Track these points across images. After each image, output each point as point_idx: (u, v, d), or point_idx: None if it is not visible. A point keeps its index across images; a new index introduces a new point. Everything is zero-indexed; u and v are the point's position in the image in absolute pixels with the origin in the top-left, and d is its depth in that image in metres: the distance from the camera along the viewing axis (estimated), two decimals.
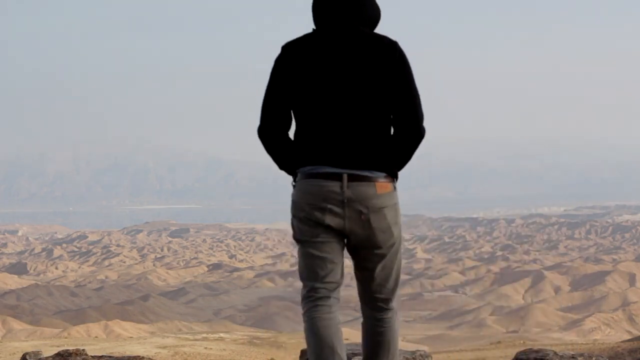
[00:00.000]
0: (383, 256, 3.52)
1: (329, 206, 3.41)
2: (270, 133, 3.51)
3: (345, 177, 3.39)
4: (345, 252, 3.60)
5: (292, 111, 3.52)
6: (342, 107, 3.41)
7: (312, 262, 3.49)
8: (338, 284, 3.53)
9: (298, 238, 3.53)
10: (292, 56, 3.45)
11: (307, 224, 3.47)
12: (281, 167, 3.59)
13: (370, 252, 3.50)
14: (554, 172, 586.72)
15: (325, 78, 3.41)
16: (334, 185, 3.40)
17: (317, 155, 3.43)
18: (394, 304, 3.67)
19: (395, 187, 3.51)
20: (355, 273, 3.62)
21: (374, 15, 3.56)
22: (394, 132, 3.48)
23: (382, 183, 3.44)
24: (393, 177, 3.50)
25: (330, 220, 3.42)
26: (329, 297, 3.49)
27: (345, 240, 3.52)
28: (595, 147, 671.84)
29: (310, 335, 3.45)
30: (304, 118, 3.46)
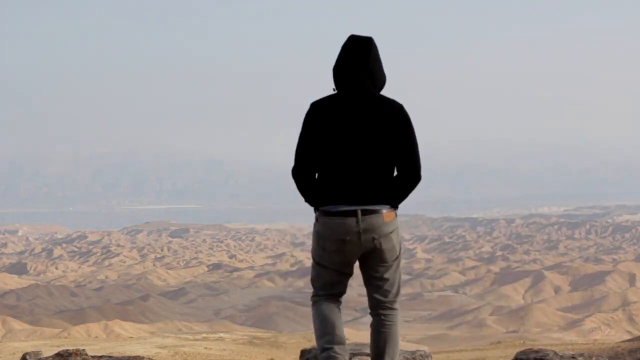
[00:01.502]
0: (389, 268, 4.59)
1: (348, 237, 4.45)
2: (302, 174, 4.53)
3: (359, 212, 4.43)
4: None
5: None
6: (356, 157, 4.42)
7: (325, 280, 4.60)
8: (343, 292, 4.66)
9: (317, 261, 4.59)
10: (318, 113, 4.47)
11: (330, 253, 4.51)
12: (308, 201, 4.59)
13: (379, 266, 4.58)
14: (554, 172, 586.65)
15: (344, 132, 4.43)
16: (351, 220, 4.43)
17: (336, 195, 4.45)
18: (397, 305, 4.66)
19: (396, 215, 4.61)
20: (365, 283, 4.66)
21: (382, 80, 4.59)
22: (397, 176, 4.56)
23: (387, 213, 4.50)
24: (394, 207, 4.57)
25: (349, 248, 4.48)
26: (334, 300, 4.63)
27: (358, 259, 4.57)
28: (595, 147, 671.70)
29: (316, 317, 4.57)
30: (326, 164, 4.46)
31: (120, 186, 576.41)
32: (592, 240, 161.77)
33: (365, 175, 4.43)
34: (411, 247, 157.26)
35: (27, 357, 7.58)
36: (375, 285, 4.60)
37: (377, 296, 4.60)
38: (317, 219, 4.53)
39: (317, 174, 4.54)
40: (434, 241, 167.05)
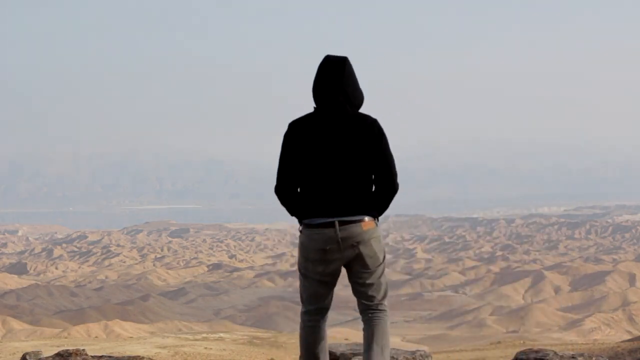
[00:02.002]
0: (372, 274, 4.81)
1: (329, 247, 4.70)
2: (284, 191, 4.80)
3: (336, 223, 4.68)
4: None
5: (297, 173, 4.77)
6: (333, 171, 4.67)
7: (312, 292, 4.86)
8: (328, 308, 4.91)
9: (302, 272, 4.86)
10: (296, 132, 4.73)
11: (313, 262, 4.77)
12: (292, 215, 4.86)
13: (363, 273, 4.80)
14: (554, 172, 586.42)
15: (322, 149, 4.67)
16: (330, 231, 4.68)
17: (316, 209, 4.71)
18: (384, 306, 4.89)
19: (377, 224, 4.81)
20: (353, 290, 4.89)
21: (359, 99, 4.81)
22: (375, 188, 4.78)
23: (366, 222, 4.74)
24: (375, 217, 4.80)
25: (331, 257, 4.73)
26: (321, 317, 4.89)
27: (343, 268, 4.83)
28: (595, 147, 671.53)
29: (302, 344, 4.91)
30: (306, 179, 4.72)
31: (120, 186, 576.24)
32: (592, 240, 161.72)
33: (343, 189, 4.69)
34: (411, 247, 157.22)
35: (27, 357, 7.58)
36: (361, 291, 4.85)
37: (365, 302, 4.86)
38: (300, 232, 4.81)
39: (299, 189, 4.80)
40: (434, 241, 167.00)
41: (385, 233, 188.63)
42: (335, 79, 4.73)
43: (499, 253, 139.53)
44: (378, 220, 4.85)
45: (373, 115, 4.83)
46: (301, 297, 4.93)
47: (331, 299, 4.91)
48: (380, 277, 4.84)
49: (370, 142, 4.69)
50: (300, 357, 4.98)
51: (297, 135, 4.72)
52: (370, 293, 4.83)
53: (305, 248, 4.78)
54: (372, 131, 4.70)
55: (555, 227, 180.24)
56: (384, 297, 4.87)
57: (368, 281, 4.81)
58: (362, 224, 4.72)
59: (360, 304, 4.90)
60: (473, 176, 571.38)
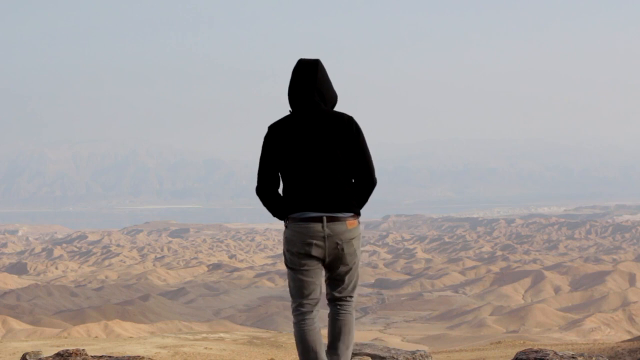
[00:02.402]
0: (349, 271, 5.09)
1: (314, 241, 4.95)
2: (265, 191, 5.04)
3: (325, 218, 4.94)
4: None
5: (279, 174, 5.04)
6: (316, 169, 4.92)
7: (300, 284, 5.05)
8: (318, 300, 5.10)
9: (289, 265, 5.06)
10: (276, 134, 4.98)
11: (298, 256, 4.99)
12: (274, 215, 5.10)
13: (340, 268, 5.06)
14: (554, 172, 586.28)
15: (303, 149, 4.93)
16: (317, 226, 4.94)
17: (303, 204, 4.94)
18: (353, 298, 5.18)
19: (359, 222, 5.08)
20: (326, 281, 5.16)
21: (333, 99, 5.10)
22: (354, 183, 5.05)
23: (350, 221, 4.99)
24: (357, 215, 5.05)
25: (315, 251, 4.97)
26: (312, 311, 5.07)
27: (324, 262, 5.06)
28: (595, 147, 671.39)
29: (298, 341, 5.04)
30: (290, 178, 4.97)
31: (120, 186, 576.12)
32: (592, 240, 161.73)
33: (325, 185, 4.94)
34: (411, 247, 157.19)
35: (27, 357, 7.58)
36: (335, 284, 5.14)
37: (335, 293, 5.15)
38: (286, 227, 5.05)
39: (281, 189, 5.09)
40: (434, 241, 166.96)
41: (385, 233, 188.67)
42: (309, 80, 5.01)
43: (499, 253, 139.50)
44: (359, 215, 5.08)
45: (351, 114, 5.05)
46: (290, 292, 5.12)
47: (320, 291, 5.11)
48: (354, 272, 5.12)
49: (348, 138, 4.95)
50: (299, 353, 5.10)
51: (277, 136, 4.97)
52: (342, 285, 5.12)
53: (290, 242, 5.01)
54: (350, 128, 4.96)
55: (555, 227, 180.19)
56: (354, 289, 5.16)
57: (345, 276, 5.09)
58: (347, 222, 4.99)
59: (329, 294, 5.19)
60: (473, 176, 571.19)
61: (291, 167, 4.95)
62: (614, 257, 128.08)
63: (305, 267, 5.01)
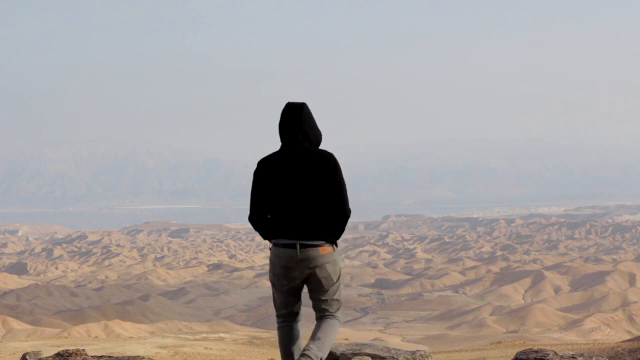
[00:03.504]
0: (326, 292, 5.74)
1: (290, 265, 5.64)
2: (255, 219, 5.78)
3: (298, 245, 5.61)
4: None
5: (267, 203, 5.72)
6: (295, 201, 5.61)
7: (281, 300, 5.81)
8: (297, 313, 5.86)
9: (272, 284, 5.81)
10: (264, 168, 5.71)
11: (278, 277, 5.73)
12: (264, 238, 5.80)
13: (318, 290, 5.73)
14: (554, 172, 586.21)
15: (284, 183, 5.63)
16: (292, 251, 5.61)
17: (281, 232, 5.66)
18: (337, 316, 5.83)
19: (334, 249, 5.70)
20: (311, 301, 5.80)
21: (317, 138, 5.78)
22: (330, 214, 5.65)
23: (323, 247, 5.63)
24: (332, 243, 5.67)
25: (292, 273, 5.67)
26: (292, 320, 5.85)
27: (304, 283, 5.75)
28: (595, 147, 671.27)
29: (279, 343, 5.86)
30: (274, 208, 5.69)
31: (120, 186, 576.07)
32: (592, 240, 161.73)
33: (304, 216, 5.61)
34: (411, 247, 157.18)
35: (27, 357, 7.58)
36: (318, 305, 5.80)
37: (319, 308, 5.80)
38: (270, 250, 5.77)
39: (269, 216, 5.76)
40: (434, 241, 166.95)
41: (385, 233, 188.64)
42: (294, 122, 5.70)
43: (499, 253, 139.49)
44: (336, 245, 5.74)
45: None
46: (274, 303, 5.89)
47: (299, 305, 5.86)
48: (334, 294, 5.77)
49: (326, 174, 5.60)
50: (281, 354, 5.86)
51: (264, 171, 5.70)
52: (323, 306, 5.78)
53: (272, 263, 5.75)
54: (328, 165, 5.62)
55: (555, 227, 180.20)
56: (337, 310, 5.82)
57: (323, 297, 5.75)
58: (320, 248, 5.62)
59: (315, 310, 5.84)
60: (473, 176, 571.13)
61: (275, 198, 5.66)
62: (614, 257, 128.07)
63: (285, 287, 5.75)
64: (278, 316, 5.87)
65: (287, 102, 5.83)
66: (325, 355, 5.67)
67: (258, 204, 5.74)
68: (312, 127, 5.77)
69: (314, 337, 5.74)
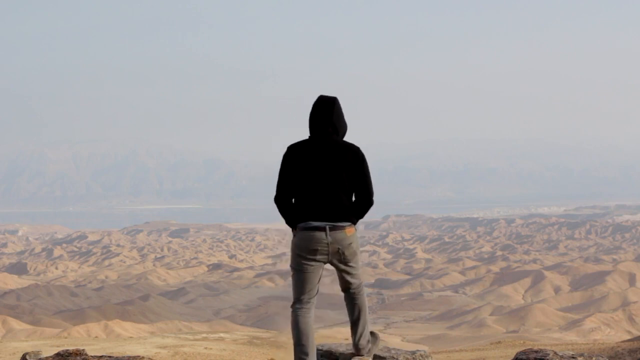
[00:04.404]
0: (352, 267, 6.24)
1: (318, 247, 6.07)
2: (282, 201, 6.13)
3: (327, 228, 6.06)
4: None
5: (293, 187, 6.11)
6: (322, 186, 6.04)
7: (301, 283, 6.17)
8: (315, 295, 6.20)
9: (294, 267, 6.18)
10: (294, 154, 6.09)
11: (303, 259, 6.11)
12: (287, 222, 6.14)
13: (345, 266, 6.21)
14: (554, 172, 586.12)
15: (313, 169, 6.05)
16: (321, 234, 6.05)
17: (309, 215, 6.07)
18: (362, 285, 6.35)
19: (356, 229, 6.18)
20: (338, 276, 6.29)
21: (344, 129, 6.22)
22: (355, 200, 6.16)
23: (348, 228, 6.12)
24: (354, 224, 6.15)
25: (319, 256, 6.10)
26: (309, 303, 6.19)
27: (326, 263, 6.18)
28: (595, 147, 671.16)
29: (293, 327, 6.16)
30: (301, 193, 6.10)
31: (120, 186, 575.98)
32: (592, 240, 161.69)
33: (330, 200, 6.04)
34: (411, 247, 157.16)
35: (27, 357, 7.58)
36: (343, 277, 6.26)
37: (346, 284, 6.30)
38: (294, 234, 6.16)
39: (294, 200, 6.14)
40: (434, 241, 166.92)
41: (385, 233, 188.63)
42: (326, 116, 6.11)
43: (499, 253, 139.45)
44: (356, 224, 6.18)
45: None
46: (293, 289, 6.20)
47: (318, 289, 6.20)
48: (357, 265, 6.24)
49: (354, 165, 6.06)
50: (293, 337, 6.16)
51: (294, 156, 6.08)
52: (350, 279, 6.26)
53: (298, 246, 6.10)
54: (357, 157, 6.08)
55: (555, 227, 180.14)
56: (359, 279, 6.30)
57: (350, 271, 6.21)
58: (346, 230, 6.08)
59: (342, 284, 6.33)
60: (473, 176, 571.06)
61: (302, 183, 6.05)
62: (614, 257, 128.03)
63: (309, 269, 6.11)
64: (295, 302, 6.18)
65: (319, 95, 6.21)
66: (368, 337, 6.46)
67: (285, 185, 6.10)
68: (341, 120, 6.17)
69: (356, 324, 6.37)
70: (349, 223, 6.09)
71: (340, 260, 6.14)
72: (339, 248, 6.07)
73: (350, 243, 6.12)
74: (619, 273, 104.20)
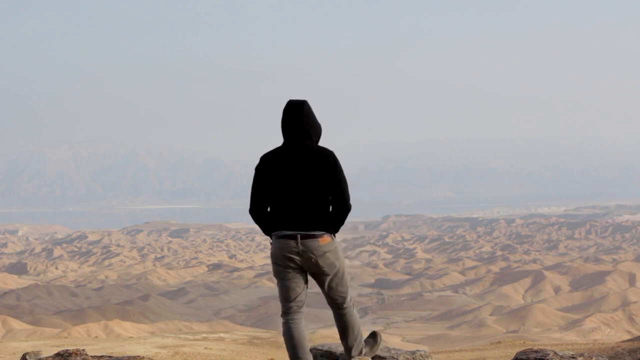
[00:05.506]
0: (332, 278, 6.02)
1: (291, 255, 5.90)
2: (256, 212, 6.03)
3: (298, 236, 5.88)
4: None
5: (268, 197, 5.97)
6: (295, 194, 5.87)
7: (285, 290, 5.97)
8: (303, 302, 6.02)
9: (275, 276, 6.01)
10: (266, 163, 5.95)
11: (280, 266, 5.95)
12: (264, 232, 6.05)
13: (323, 278, 6.01)
14: (554, 172, 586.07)
15: (286, 177, 5.88)
16: (292, 242, 5.88)
17: (282, 224, 5.92)
18: (348, 302, 6.14)
19: (333, 238, 5.96)
20: (322, 291, 6.11)
21: (318, 133, 6.04)
22: (331, 209, 5.97)
23: (323, 238, 5.90)
24: (330, 233, 5.93)
25: (293, 264, 5.92)
26: (298, 312, 5.99)
27: (305, 271, 5.99)
28: (595, 147, 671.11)
29: (286, 337, 5.96)
30: (275, 202, 5.95)
31: (120, 186, 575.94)
32: (592, 240, 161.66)
33: (304, 208, 5.87)
34: (411, 247, 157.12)
35: (27, 357, 7.58)
36: (326, 293, 6.09)
37: (328, 299, 6.13)
38: (271, 243, 6.02)
39: (269, 209, 6.01)
40: (434, 241, 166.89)
41: (385, 233, 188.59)
42: (296, 120, 5.95)
43: (499, 253, 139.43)
44: (334, 235, 6.00)
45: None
46: (280, 298, 6.03)
47: (305, 295, 6.02)
48: (341, 280, 6.04)
49: (326, 170, 5.87)
50: (287, 349, 5.97)
51: (267, 166, 5.94)
52: (334, 295, 6.07)
53: (274, 255, 5.96)
54: (328, 162, 5.88)
55: (555, 227, 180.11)
56: (345, 297, 6.09)
57: (331, 284, 6.02)
58: (320, 239, 5.88)
59: (328, 302, 6.16)
60: (473, 176, 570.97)
61: (276, 192, 5.91)
62: (614, 257, 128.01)
63: (288, 276, 5.94)
64: (284, 312, 6.00)
65: (288, 100, 6.04)
66: (361, 346, 6.28)
67: (259, 197, 5.99)
68: (313, 124, 6.01)
69: (345, 339, 6.22)
70: (323, 232, 5.89)
71: (318, 271, 5.93)
72: (311, 257, 5.87)
73: (325, 252, 5.89)
74: (619, 273, 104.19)
